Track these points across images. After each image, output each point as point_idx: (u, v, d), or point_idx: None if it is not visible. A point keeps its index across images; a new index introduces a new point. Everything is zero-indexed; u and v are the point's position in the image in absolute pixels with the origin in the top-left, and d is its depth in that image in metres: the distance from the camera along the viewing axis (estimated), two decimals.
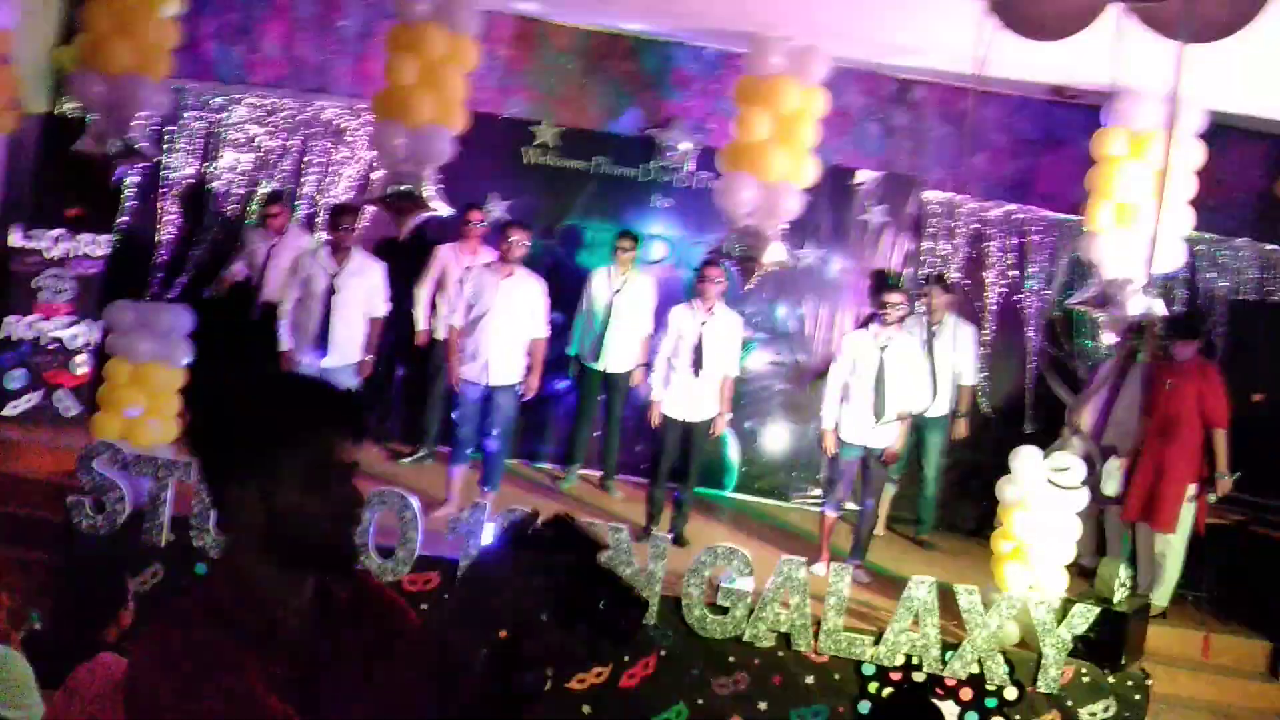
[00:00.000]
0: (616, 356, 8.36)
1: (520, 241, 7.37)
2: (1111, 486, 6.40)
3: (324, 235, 8.26)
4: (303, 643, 1.93)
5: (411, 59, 7.33)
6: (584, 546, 1.79)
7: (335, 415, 1.97)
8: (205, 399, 2.01)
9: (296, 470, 1.91)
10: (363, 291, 7.51)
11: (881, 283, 8.31)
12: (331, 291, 7.39)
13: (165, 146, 8.91)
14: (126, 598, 6.28)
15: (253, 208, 9.06)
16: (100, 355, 8.02)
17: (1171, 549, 7.29)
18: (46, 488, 7.09)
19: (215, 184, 9.11)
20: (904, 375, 7.22)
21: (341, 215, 7.58)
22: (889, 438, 7.26)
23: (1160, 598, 7.34)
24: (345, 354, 7.47)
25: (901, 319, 7.26)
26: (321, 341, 7.40)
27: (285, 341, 7.50)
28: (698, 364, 7.38)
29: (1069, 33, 3.66)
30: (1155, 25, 3.42)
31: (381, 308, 7.64)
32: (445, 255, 8.44)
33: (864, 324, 7.74)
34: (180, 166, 9.07)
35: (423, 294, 8.44)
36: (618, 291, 8.27)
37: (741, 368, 7.95)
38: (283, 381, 2.12)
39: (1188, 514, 7.32)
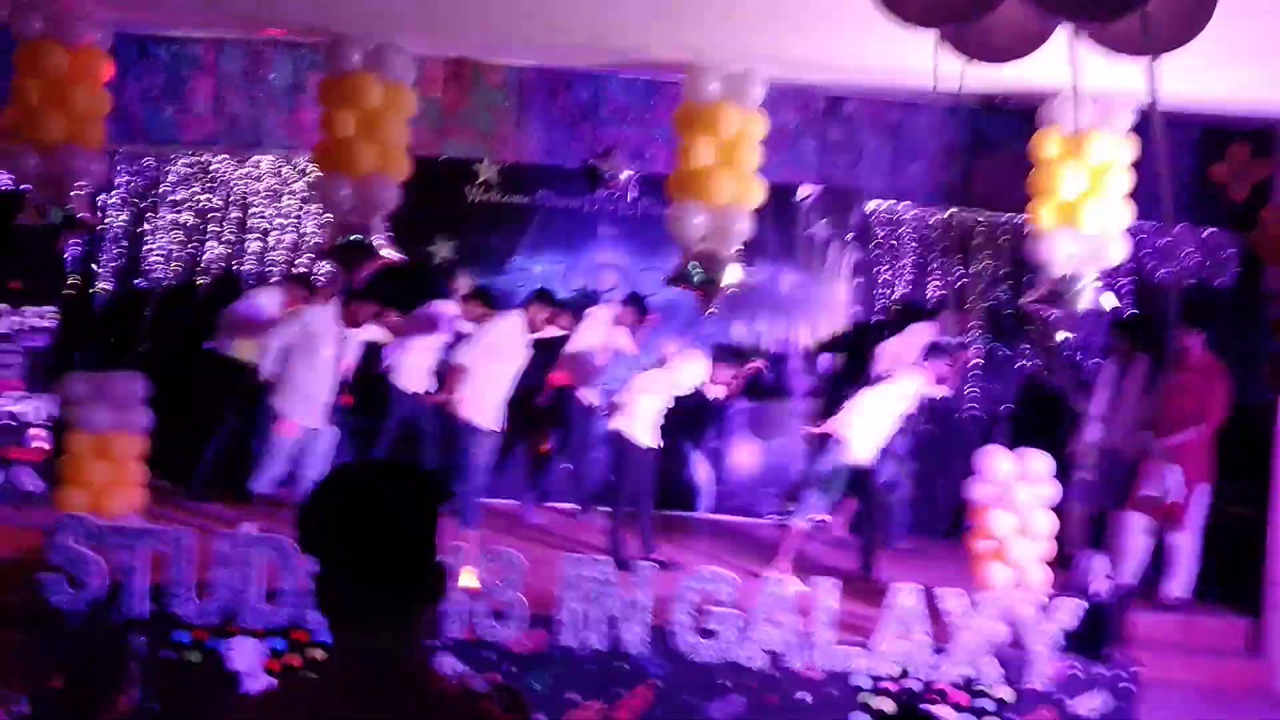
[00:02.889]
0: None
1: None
2: (1101, 583, 6.60)
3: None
4: None
5: (348, 111, 7.30)
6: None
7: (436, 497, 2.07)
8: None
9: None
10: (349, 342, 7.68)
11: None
12: (323, 349, 7.45)
13: (102, 212, 8.79)
14: (122, 678, 6.17)
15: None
16: (56, 428, 7.88)
17: (1185, 540, 7.46)
18: (12, 568, 6.93)
19: (156, 246, 8.98)
20: None
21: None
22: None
23: (1178, 589, 7.52)
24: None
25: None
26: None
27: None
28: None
29: (1019, 56, 3.75)
30: (1108, 43, 3.52)
31: None
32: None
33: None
34: (118, 231, 8.95)
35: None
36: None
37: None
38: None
39: (1201, 507, 7.47)
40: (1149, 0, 3.31)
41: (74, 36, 7.08)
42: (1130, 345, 7.94)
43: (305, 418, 7.32)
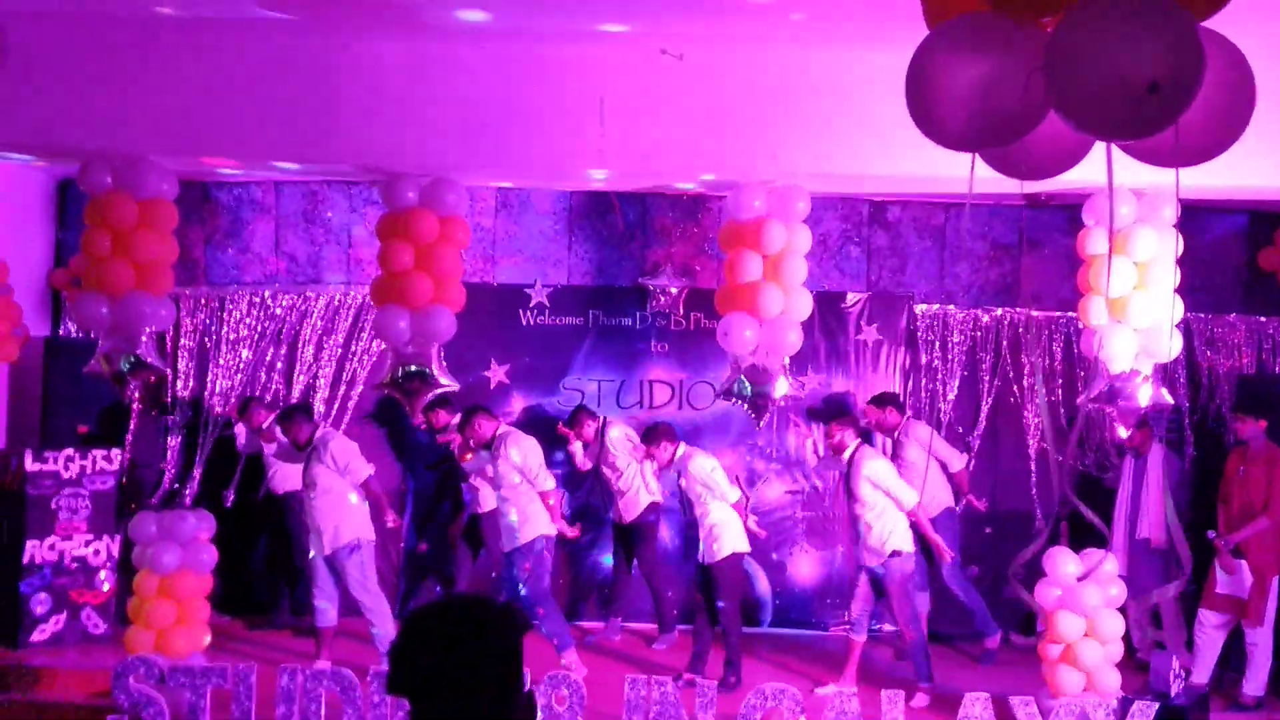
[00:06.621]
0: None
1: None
2: (1175, 686, 6.40)
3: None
4: None
5: (405, 245, 7.50)
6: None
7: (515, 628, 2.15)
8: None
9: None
10: (334, 472, 7.68)
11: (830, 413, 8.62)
12: (309, 485, 7.68)
13: (166, 355, 9.03)
14: None
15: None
16: (122, 569, 8.02)
17: (1261, 637, 7.28)
18: (81, 712, 7.02)
19: (219, 387, 9.19)
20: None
21: (290, 418, 7.90)
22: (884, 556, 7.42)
23: (1254, 687, 7.32)
24: (337, 537, 7.64)
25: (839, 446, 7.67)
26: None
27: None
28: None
29: (1058, 172, 3.81)
30: (1145, 157, 3.58)
31: (364, 470, 7.81)
32: None
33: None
34: (183, 373, 9.18)
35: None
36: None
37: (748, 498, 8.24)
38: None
39: (1274, 600, 7.29)
40: (1179, 117, 3.37)
41: (142, 189, 7.30)
42: (1143, 437, 7.91)
43: (312, 544, 7.71)
